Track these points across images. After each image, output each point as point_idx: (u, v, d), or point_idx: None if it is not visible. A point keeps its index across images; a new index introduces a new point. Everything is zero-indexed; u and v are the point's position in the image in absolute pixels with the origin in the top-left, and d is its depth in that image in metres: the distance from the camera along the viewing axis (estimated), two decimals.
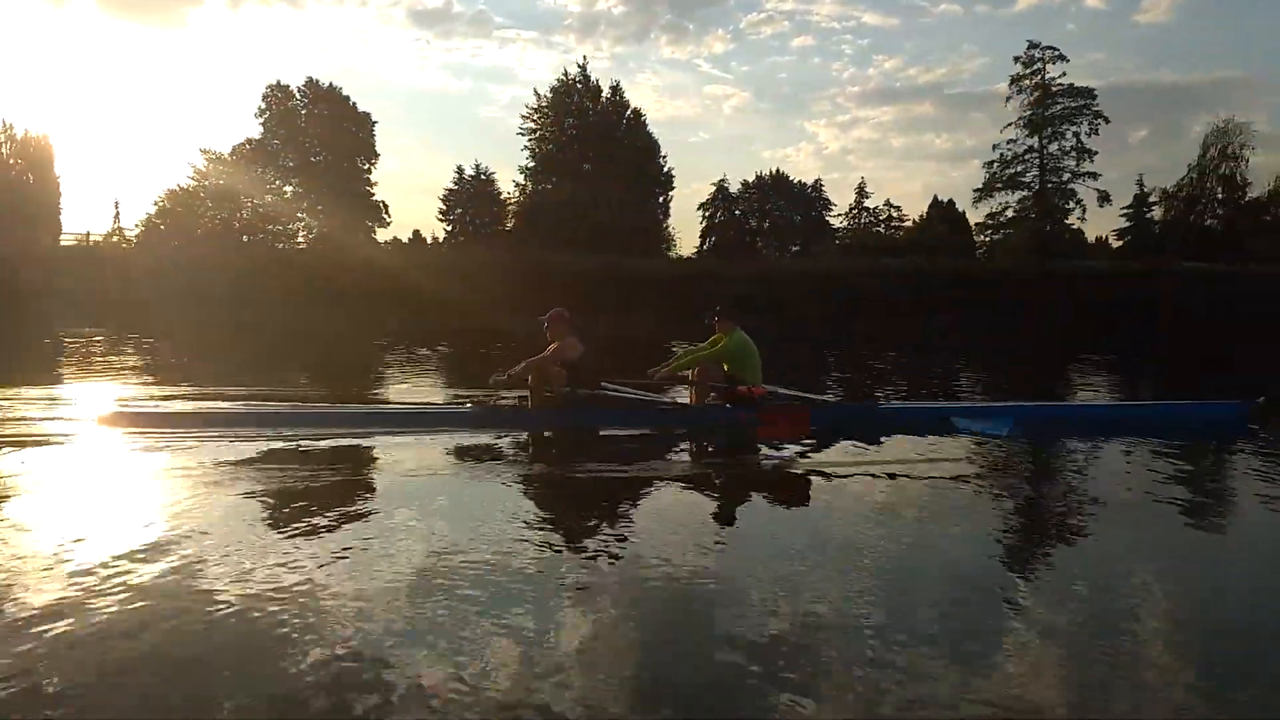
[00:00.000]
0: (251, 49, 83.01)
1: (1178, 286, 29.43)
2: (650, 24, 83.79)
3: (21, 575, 3.14)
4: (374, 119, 47.13)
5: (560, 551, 3.60)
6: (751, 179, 59.76)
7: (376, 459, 5.55)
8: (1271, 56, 74.61)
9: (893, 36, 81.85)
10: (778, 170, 59.25)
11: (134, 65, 79.74)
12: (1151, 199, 39.28)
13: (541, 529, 3.91)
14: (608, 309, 24.68)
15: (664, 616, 2.95)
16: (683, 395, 7.43)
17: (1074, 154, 37.36)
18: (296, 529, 3.80)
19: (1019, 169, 37.95)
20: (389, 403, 8.20)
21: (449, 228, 47.07)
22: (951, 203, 55.41)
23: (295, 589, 3.03)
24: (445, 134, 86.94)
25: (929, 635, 2.77)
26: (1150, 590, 3.33)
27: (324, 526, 3.86)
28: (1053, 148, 37.69)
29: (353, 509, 4.21)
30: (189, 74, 79.89)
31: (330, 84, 46.54)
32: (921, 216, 56.54)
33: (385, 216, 47.43)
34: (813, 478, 5.22)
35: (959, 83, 72.89)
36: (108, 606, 2.85)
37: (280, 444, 5.70)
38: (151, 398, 8.14)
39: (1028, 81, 37.80)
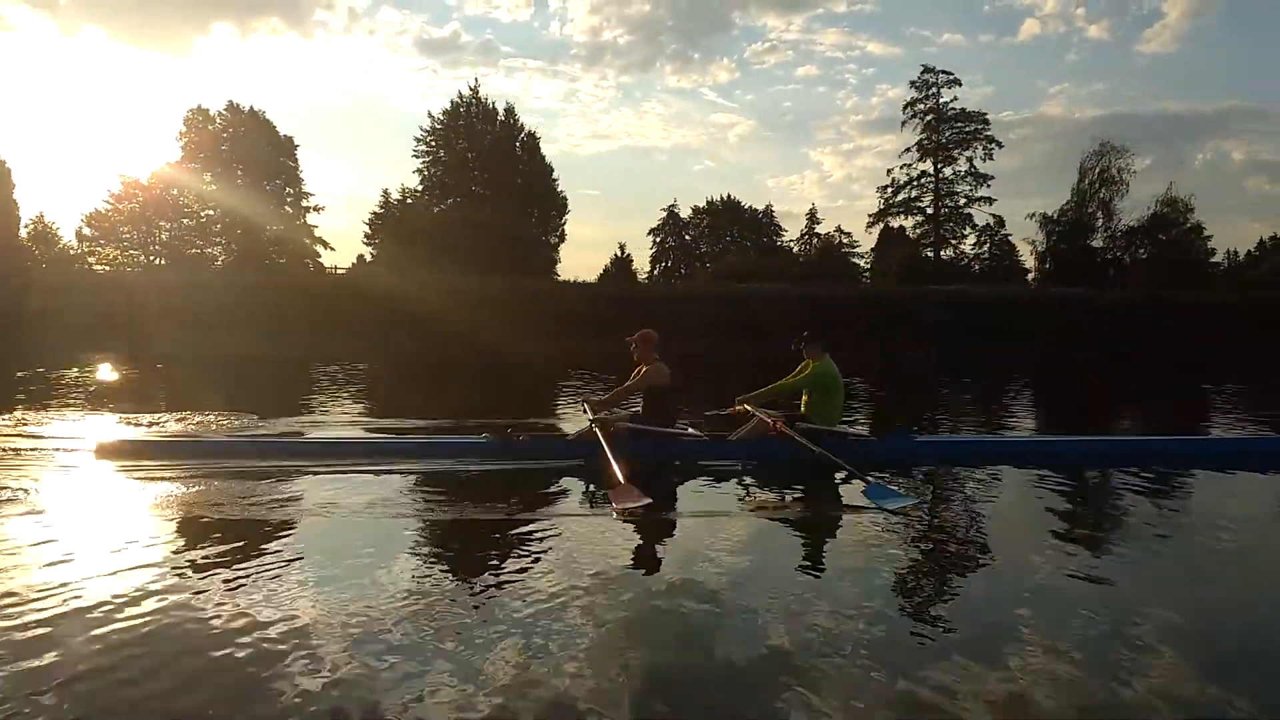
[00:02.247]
0: (258, 77, 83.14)
1: (1048, 310, 29.74)
2: (656, 54, 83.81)
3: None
4: (296, 143, 47.45)
5: (561, 586, 3.48)
6: (703, 204, 60.17)
7: (385, 491, 5.34)
8: (1274, 87, 76.63)
9: (896, 66, 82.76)
10: (728, 195, 59.66)
11: (139, 92, 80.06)
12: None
13: (558, 564, 3.81)
14: (495, 332, 25.16)
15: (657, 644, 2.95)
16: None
17: (968, 179, 37.64)
18: (298, 559, 3.81)
19: (914, 194, 38.24)
20: (404, 432, 7.84)
21: (374, 250, 47.34)
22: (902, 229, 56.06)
23: (290, 620, 3.01)
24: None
25: (924, 656, 2.80)
26: (1169, 623, 3.20)
27: (320, 558, 3.85)
28: (947, 172, 38.01)
29: (354, 539, 4.22)
30: (191, 102, 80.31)
31: (252, 107, 46.88)
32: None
33: (310, 241, 47.48)
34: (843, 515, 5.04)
35: None
36: (85, 635, 2.88)
37: (294, 475, 5.69)
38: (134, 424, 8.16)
39: (922, 106, 38.18)
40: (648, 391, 6.47)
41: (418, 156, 39.53)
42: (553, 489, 5.56)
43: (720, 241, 61.81)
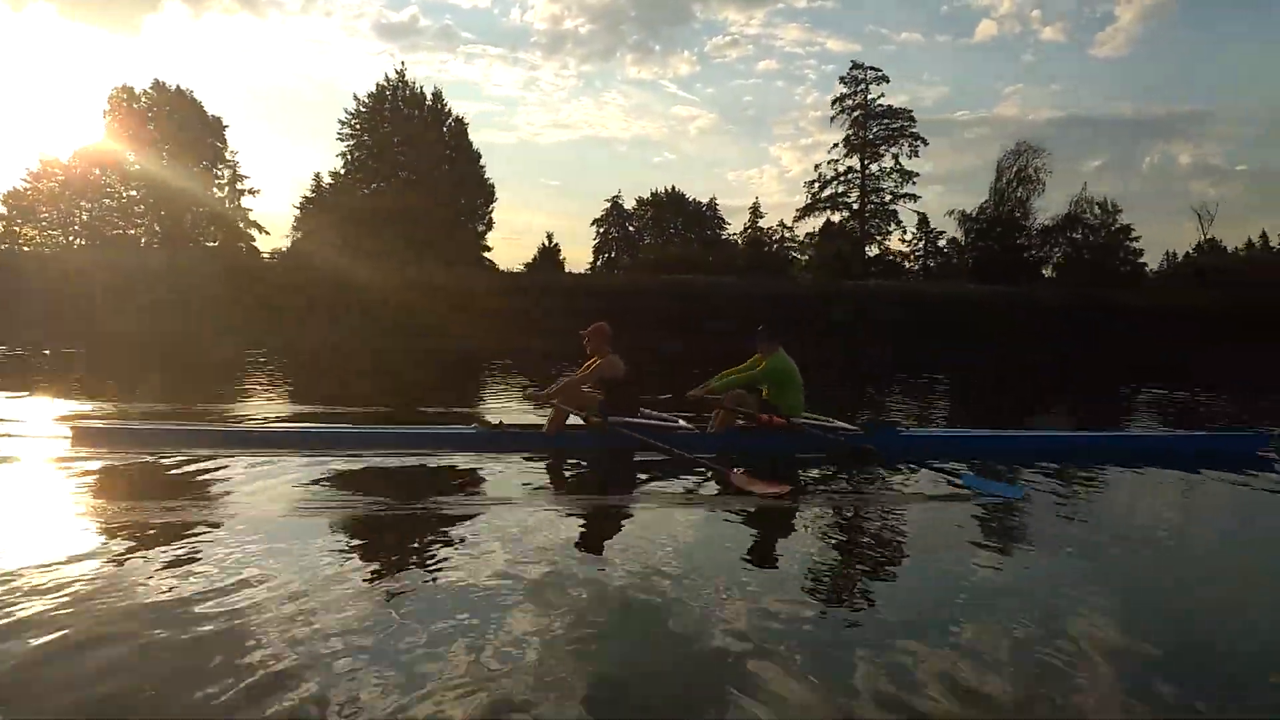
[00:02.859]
0: (211, 57, 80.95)
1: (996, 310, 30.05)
2: (617, 44, 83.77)
3: None
4: (225, 123, 46.41)
5: (536, 579, 3.50)
6: (647, 195, 59.90)
7: (372, 480, 5.32)
8: (1225, 92, 78.46)
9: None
10: (673, 188, 59.44)
11: (89, 70, 77.49)
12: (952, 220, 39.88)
13: (526, 556, 3.79)
14: (422, 322, 24.97)
15: (624, 634, 3.01)
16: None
17: (894, 175, 37.95)
18: (276, 547, 3.80)
19: (840, 189, 38.48)
20: (387, 423, 7.68)
21: (298, 235, 46.50)
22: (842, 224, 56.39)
23: (246, 611, 3.02)
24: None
25: (904, 651, 2.82)
26: (1118, 615, 3.28)
27: (301, 548, 3.82)
28: (873, 168, 38.28)
29: (333, 530, 4.19)
30: (137, 81, 77.85)
31: (178, 86, 45.76)
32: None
33: (245, 224, 46.49)
34: (815, 507, 5.10)
35: (920, 110, 72.73)
36: (50, 624, 2.87)
37: (270, 465, 5.59)
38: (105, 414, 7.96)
39: (850, 102, 38.37)
40: (601, 384, 6.47)
41: (342, 140, 38.88)
42: (538, 482, 5.55)
43: (664, 233, 61.63)
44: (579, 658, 2.73)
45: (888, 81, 37.61)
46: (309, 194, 46.59)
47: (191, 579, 3.35)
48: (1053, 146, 71.62)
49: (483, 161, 39.45)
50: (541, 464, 5.99)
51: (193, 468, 5.49)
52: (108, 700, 2.43)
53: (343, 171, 39.08)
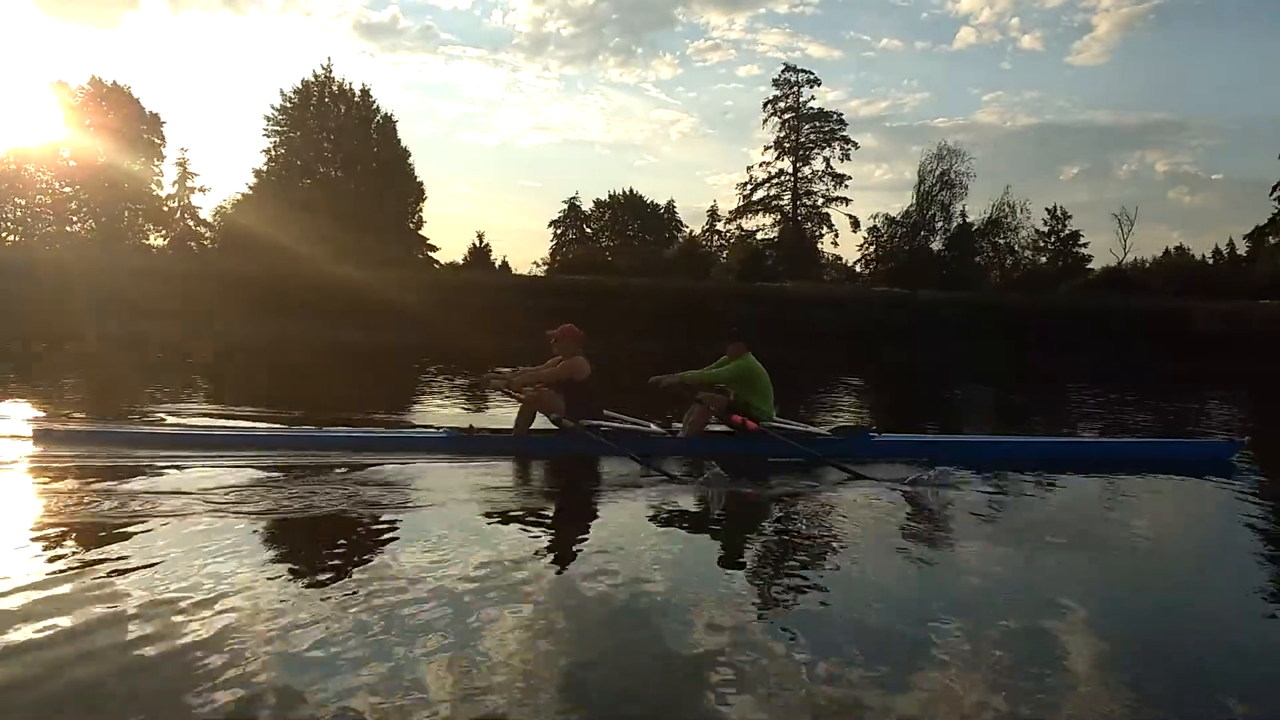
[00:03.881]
0: (189, 56, 79.96)
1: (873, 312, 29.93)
2: (599, 46, 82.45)
3: None
4: (163, 120, 46.06)
5: (507, 581, 3.50)
6: (605, 197, 59.74)
7: (338, 484, 5.15)
8: (1200, 101, 77.63)
9: (836, 69, 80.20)
10: (631, 190, 59.23)
11: (64, 66, 77.16)
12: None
13: (495, 561, 3.75)
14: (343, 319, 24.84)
15: (601, 638, 3.00)
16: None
17: (826, 178, 37.81)
18: (236, 551, 3.74)
19: (772, 192, 38.31)
20: (351, 425, 7.52)
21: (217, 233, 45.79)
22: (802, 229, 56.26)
23: (215, 616, 2.97)
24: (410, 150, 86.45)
25: (863, 660, 2.81)
26: (1093, 623, 3.30)
27: (261, 552, 3.80)
28: (805, 171, 38.13)
29: (294, 534, 4.16)
30: (117, 78, 77.18)
31: (115, 82, 45.41)
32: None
33: (195, 223, 46.12)
34: (785, 509, 5.11)
35: (900, 116, 72.88)
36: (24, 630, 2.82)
37: (232, 468, 5.45)
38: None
39: (782, 104, 38.24)
40: (567, 385, 6.36)
41: (268, 136, 38.55)
42: (507, 486, 5.47)
43: (621, 236, 61.37)
44: (545, 664, 2.72)
45: (819, 84, 37.66)
46: (247, 190, 46.55)
47: (146, 582, 3.30)
48: (1031, 153, 72.50)
49: (411, 159, 39.14)
50: (511, 467, 5.92)
51: (154, 470, 5.34)
52: (60, 702, 2.40)
53: (265, 168, 38.71)
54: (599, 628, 3.07)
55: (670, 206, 60.93)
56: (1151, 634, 3.24)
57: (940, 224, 34.33)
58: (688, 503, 5.13)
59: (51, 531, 4.01)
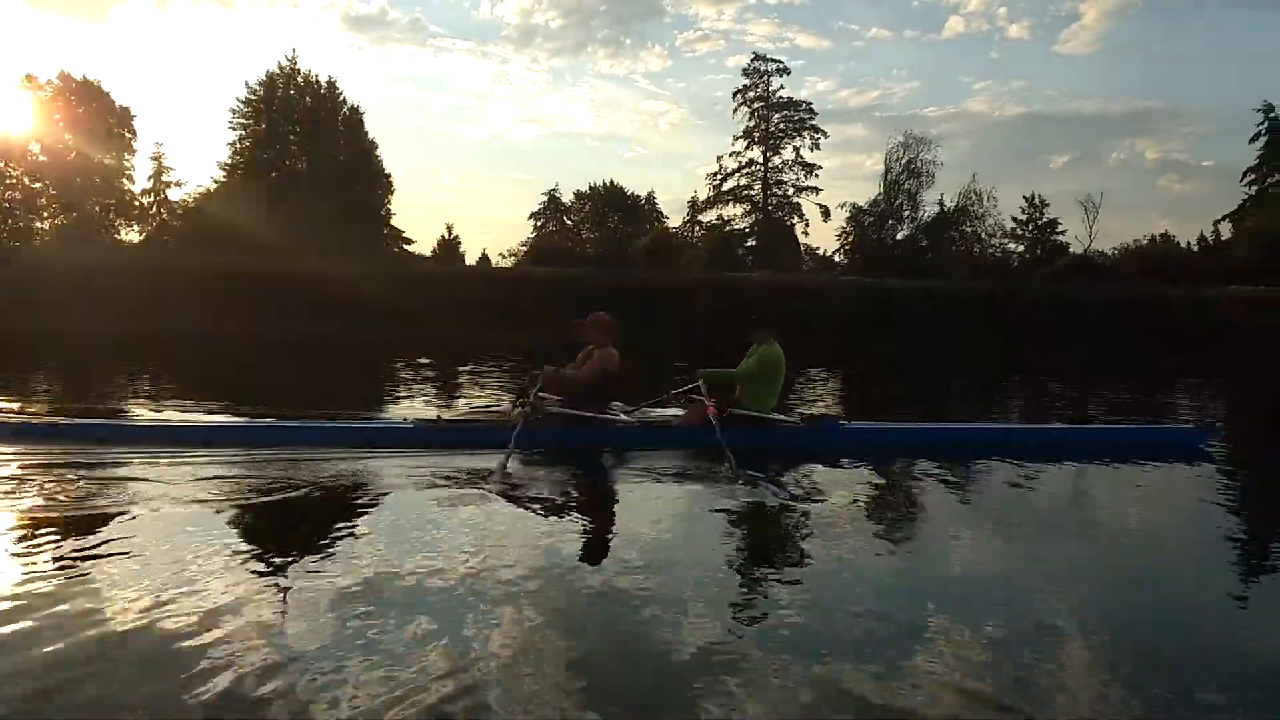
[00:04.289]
0: (176, 49, 79.89)
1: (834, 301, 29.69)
2: (587, 38, 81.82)
3: None
4: (134, 114, 45.72)
5: (489, 571, 3.47)
6: (585, 189, 59.42)
7: (299, 477, 5.09)
8: (1187, 89, 78.24)
9: (825, 59, 79.55)
10: (611, 181, 58.89)
11: (49, 60, 76.82)
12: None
13: (482, 549, 3.75)
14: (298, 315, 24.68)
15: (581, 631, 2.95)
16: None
17: (796, 168, 37.53)
18: (199, 546, 3.66)
19: (743, 182, 38.03)
20: (350, 419, 7.39)
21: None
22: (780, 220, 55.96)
23: (196, 613, 2.90)
24: (380, 141, 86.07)
25: (848, 647, 2.83)
26: (1070, 610, 3.29)
27: (224, 546, 3.71)
28: (775, 161, 37.87)
29: (255, 528, 4.09)
30: (104, 72, 76.52)
31: (85, 76, 45.08)
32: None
33: (170, 217, 45.74)
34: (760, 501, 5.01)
35: (889, 106, 72.53)
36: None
37: (195, 462, 5.38)
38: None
39: (751, 94, 37.94)
40: (600, 377, 6.27)
41: (233, 129, 38.20)
42: (477, 477, 5.28)
43: (601, 227, 61.05)
44: (530, 656, 2.68)
45: (789, 74, 37.33)
46: (213, 182, 46.05)
47: (113, 578, 3.24)
48: (1020, 142, 72.73)
49: (379, 151, 38.82)
50: (476, 460, 5.73)
51: (116, 464, 5.25)
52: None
53: (229, 161, 38.41)
54: (573, 619, 3.03)
55: (650, 198, 60.76)
56: (1122, 622, 3.20)
57: (908, 213, 34.18)
58: (667, 494, 5.16)
59: (17, 526, 3.95)
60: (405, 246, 46.84)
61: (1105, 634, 3.03)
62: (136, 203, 46.23)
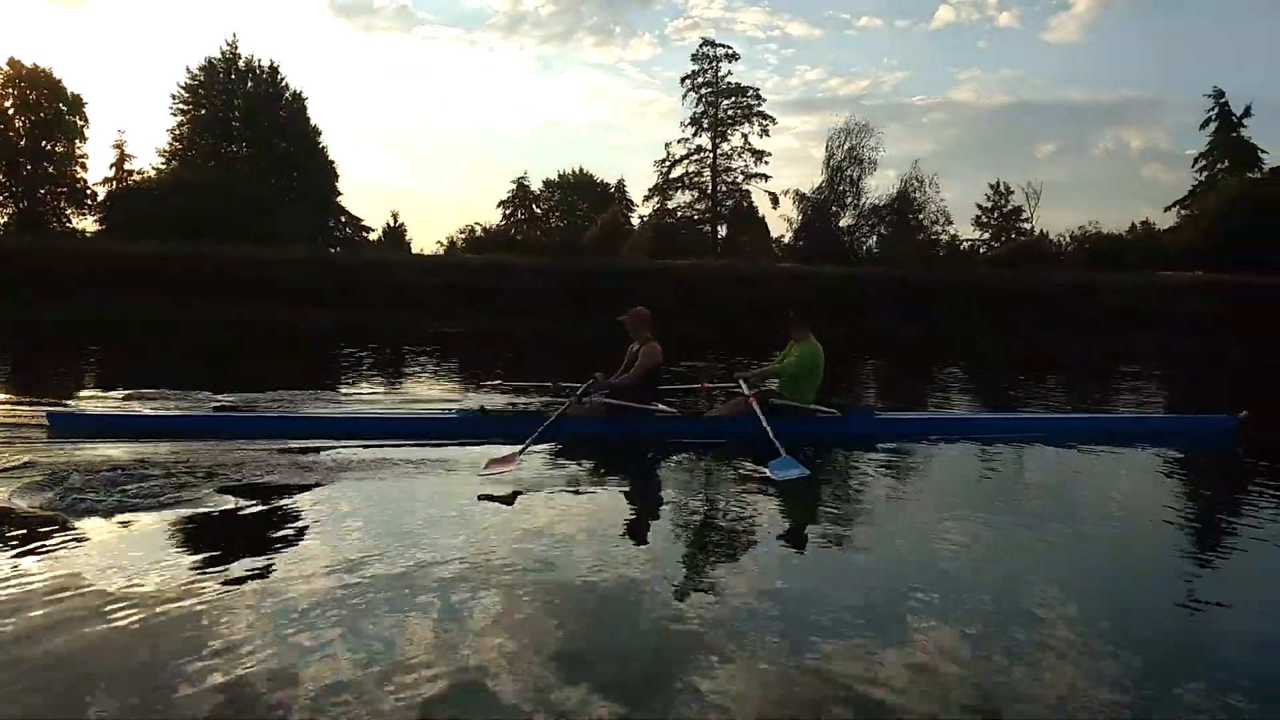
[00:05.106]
0: (159, 36, 78.92)
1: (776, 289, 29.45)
2: (576, 25, 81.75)
3: None
4: (85, 100, 45.25)
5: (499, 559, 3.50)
6: (555, 177, 59.01)
7: (350, 467, 5.18)
8: (1173, 78, 78.52)
9: (816, 47, 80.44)
10: (580, 169, 58.45)
11: (32, 47, 76.13)
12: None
13: (498, 542, 3.77)
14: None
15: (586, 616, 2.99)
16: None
17: (745, 154, 37.26)
18: (252, 534, 3.80)
19: (691, 169, 37.74)
20: (385, 409, 7.61)
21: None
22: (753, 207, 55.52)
23: (214, 603, 2.94)
24: (368, 129, 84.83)
25: (846, 636, 2.81)
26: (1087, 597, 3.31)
27: (272, 534, 3.81)
28: (724, 147, 37.58)
29: (310, 516, 4.14)
30: (87, 58, 75.92)
31: (35, 64, 44.59)
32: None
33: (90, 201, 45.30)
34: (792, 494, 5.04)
35: (879, 95, 72.68)
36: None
37: (252, 451, 5.45)
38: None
39: (700, 79, 37.64)
40: (649, 371, 6.42)
41: (175, 115, 37.75)
42: (519, 467, 5.27)
43: (572, 215, 60.65)
44: (546, 644, 2.69)
45: (737, 59, 36.99)
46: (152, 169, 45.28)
47: (160, 568, 3.26)
48: (1007, 131, 72.94)
49: (323, 141, 38.46)
50: (518, 448, 5.79)
51: (172, 455, 5.25)
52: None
53: (169, 147, 38.02)
54: (587, 606, 3.06)
55: (621, 185, 60.36)
56: (1127, 609, 3.22)
57: (850, 200, 33.92)
58: (691, 482, 5.26)
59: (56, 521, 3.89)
60: (365, 234, 46.75)
61: (1112, 622, 3.00)
62: (90, 191, 45.94)
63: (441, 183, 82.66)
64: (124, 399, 7.74)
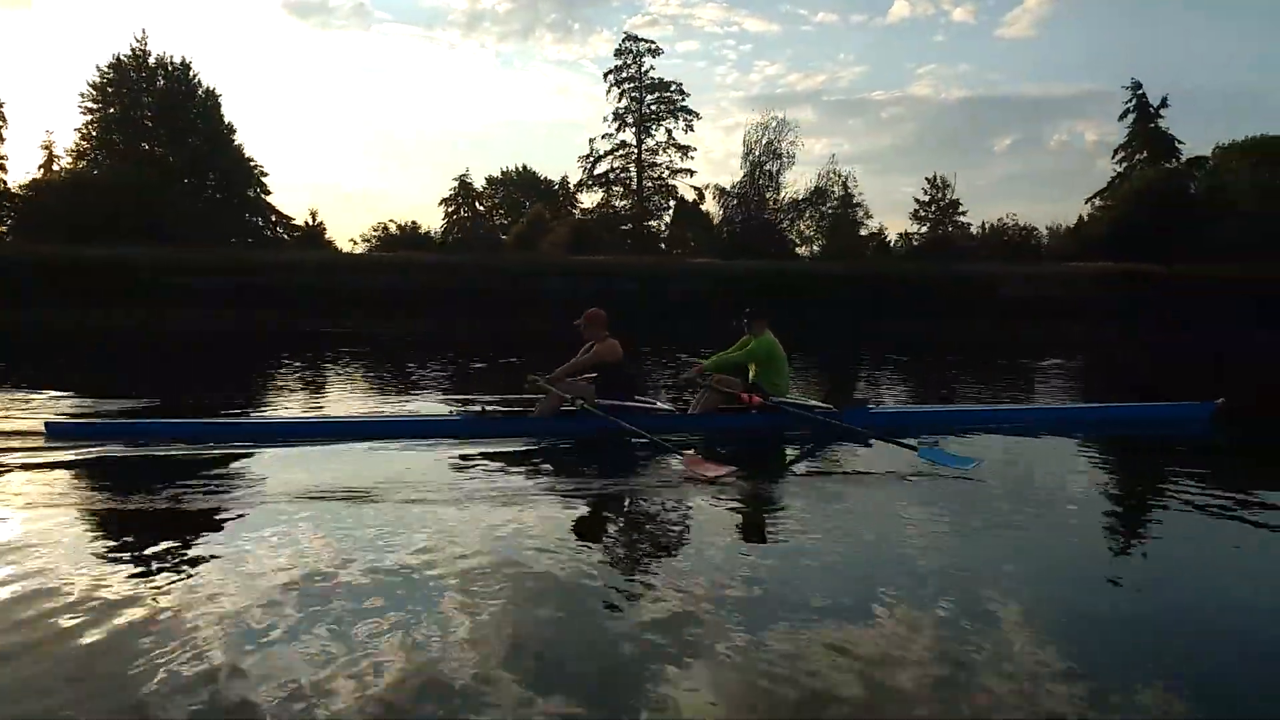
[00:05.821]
0: (106, 36, 77.84)
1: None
2: (535, 22, 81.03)
3: None
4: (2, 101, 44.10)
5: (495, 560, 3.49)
6: (498, 174, 58.49)
7: (353, 470, 5.19)
8: (1126, 71, 78.62)
9: (773, 43, 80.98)
10: (524, 166, 57.96)
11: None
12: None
13: (497, 543, 3.74)
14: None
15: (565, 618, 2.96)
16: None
17: (670, 150, 37.16)
18: (248, 539, 3.74)
19: (616, 165, 37.59)
20: (371, 413, 7.64)
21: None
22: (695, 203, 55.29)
23: (190, 607, 2.91)
24: (321, 129, 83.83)
25: (823, 630, 2.80)
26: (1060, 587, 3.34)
27: (271, 539, 3.75)
28: (649, 143, 37.46)
29: (309, 521, 4.06)
30: (32, 56, 73.72)
31: None
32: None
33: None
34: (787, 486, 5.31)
35: (836, 90, 73.92)
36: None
37: (245, 458, 5.51)
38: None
39: (623, 74, 37.48)
40: (601, 368, 6.51)
41: (84, 113, 36.81)
42: (521, 468, 5.40)
43: (517, 213, 60.14)
44: (517, 644, 2.68)
45: (660, 54, 36.83)
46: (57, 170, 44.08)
47: (166, 572, 3.26)
48: (964, 125, 73.78)
49: (238, 139, 37.72)
50: (521, 449, 5.92)
51: (172, 462, 5.32)
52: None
53: (75, 147, 37.12)
54: (563, 606, 3.04)
55: (565, 182, 60.00)
56: (1101, 599, 3.21)
57: (770, 194, 33.96)
58: (682, 483, 5.13)
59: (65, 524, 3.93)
60: (294, 233, 45.96)
61: (1115, 612, 3.03)
62: (7, 191, 44.74)
63: (399, 181, 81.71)
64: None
